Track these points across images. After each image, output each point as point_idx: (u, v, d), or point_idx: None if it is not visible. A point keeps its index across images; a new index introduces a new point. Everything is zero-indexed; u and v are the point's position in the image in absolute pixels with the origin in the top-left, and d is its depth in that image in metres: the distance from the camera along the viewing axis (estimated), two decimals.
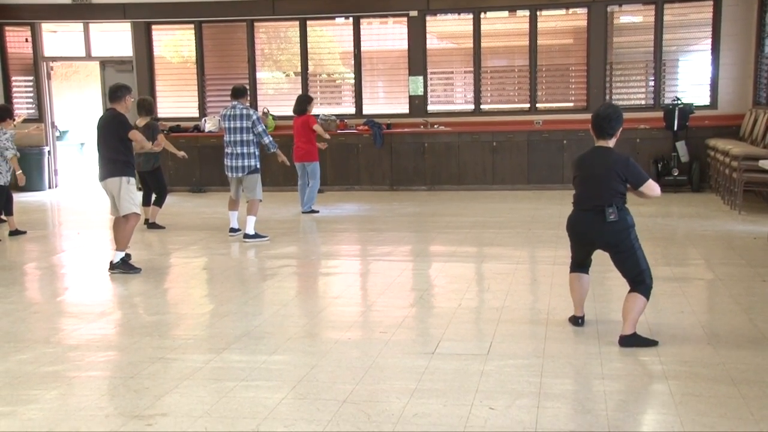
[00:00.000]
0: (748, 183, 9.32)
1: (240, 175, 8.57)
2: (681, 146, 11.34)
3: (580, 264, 5.03)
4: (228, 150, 8.61)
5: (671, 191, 11.26)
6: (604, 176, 4.66)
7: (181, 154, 9.78)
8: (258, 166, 8.63)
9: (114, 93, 7.09)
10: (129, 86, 7.31)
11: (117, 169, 7.00)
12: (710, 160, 11.15)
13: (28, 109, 13.88)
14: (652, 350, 4.53)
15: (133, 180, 7.10)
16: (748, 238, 7.88)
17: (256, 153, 8.62)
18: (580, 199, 4.81)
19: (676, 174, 11.33)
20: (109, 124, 7.05)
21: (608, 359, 4.43)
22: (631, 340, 4.59)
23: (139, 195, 7.64)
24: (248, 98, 8.84)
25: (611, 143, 4.77)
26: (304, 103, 10.31)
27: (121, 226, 7.07)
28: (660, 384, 4.07)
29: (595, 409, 3.76)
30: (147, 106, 9.36)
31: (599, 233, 4.69)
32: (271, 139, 8.77)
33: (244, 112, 8.54)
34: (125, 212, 7.02)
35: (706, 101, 12.03)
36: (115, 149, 7.00)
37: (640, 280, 4.64)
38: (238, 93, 8.68)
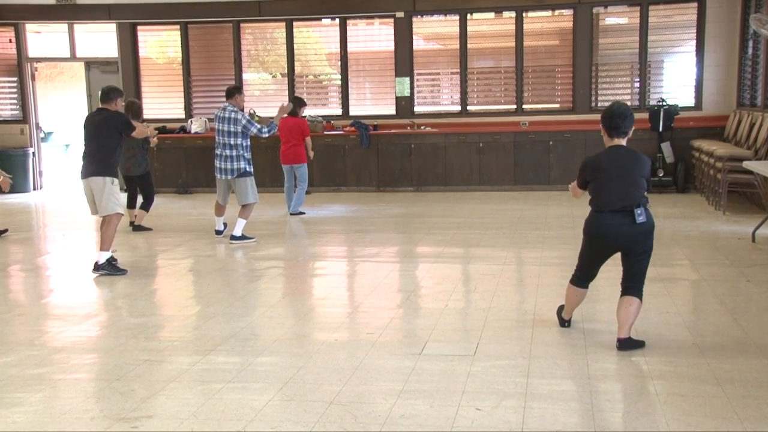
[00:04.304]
0: (732, 184, 9.39)
1: (229, 177, 8.43)
2: (666, 147, 11.41)
3: (590, 277, 4.85)
4: (217, 151, 8.49)
5: (656, 192, 11.33)
6: (633, 176, 4.59)
7: (153, 141, 9.55)
8: (249, 169, 8.45)
9: (107, 95, 7.18)
10: (121, 90, 7.44)
11: (103, 168, 7.03)
12: (695, 161, 11.23)
13: (12, 110, 13.80)
14: (638, 350, 4.55)
15: (116, 181, 7.15)
16: (732, 239, 7.94)
17: (246, 156, 8.44)
18: (607, 201, 4.60)
19: (661, 175, 11.39)
20: (106, 122, 7.04)
21: (594, 360, 4.45)
22: (629, 343, 4.58)
23: (124, 196, 7.64)
24: (237, 98, 8.48)
25: (624, 142, 4.67)
26: (295, 105, 10.27)
27: (104, 226, 7.07)
28: (646, 384, 4.09)
29: (581, 409, 3.78)
30: (136, 109, 9.39)
31: (628, 236, 4.56)
32: (266, 129, 8.50)
33: (233, 116, 8.37)
34: (107, 212, 7.02)
35: (691, 102, 12.10)
36: (106, 148, 7.04)
37: (641, 282, 4.63)
38: (228, 93, 8.55)
